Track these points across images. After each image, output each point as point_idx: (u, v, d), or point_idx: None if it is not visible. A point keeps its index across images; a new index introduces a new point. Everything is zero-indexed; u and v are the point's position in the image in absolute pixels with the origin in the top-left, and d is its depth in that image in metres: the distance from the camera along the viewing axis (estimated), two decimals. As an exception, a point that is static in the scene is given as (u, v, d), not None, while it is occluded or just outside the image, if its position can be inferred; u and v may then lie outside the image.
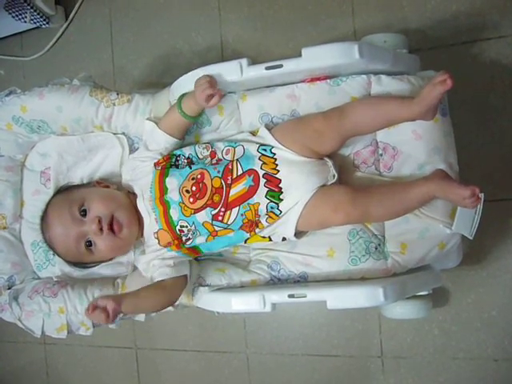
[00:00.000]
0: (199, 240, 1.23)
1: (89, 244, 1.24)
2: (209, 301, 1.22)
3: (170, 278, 1.19)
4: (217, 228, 1.20)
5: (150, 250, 1.26)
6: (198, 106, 1.20)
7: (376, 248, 1.18)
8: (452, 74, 1.04)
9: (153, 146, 1.28)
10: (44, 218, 1.31)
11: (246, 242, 1.24)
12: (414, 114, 1.10)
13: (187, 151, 1.26)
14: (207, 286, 1.24)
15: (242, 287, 1.25)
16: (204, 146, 1.26)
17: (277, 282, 1.25)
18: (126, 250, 1.32)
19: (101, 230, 1.21)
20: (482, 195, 1.11)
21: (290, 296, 1.12)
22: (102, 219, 1.21)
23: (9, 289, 1.36)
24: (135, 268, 1.33)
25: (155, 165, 1.26)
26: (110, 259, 1.33)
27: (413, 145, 1.18)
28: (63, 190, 1.35)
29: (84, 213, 1.23)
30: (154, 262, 1.23)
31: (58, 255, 1.31)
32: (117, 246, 1.25)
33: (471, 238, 1.14)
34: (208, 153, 1.25)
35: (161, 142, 1.26)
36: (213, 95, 1.15)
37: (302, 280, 1.23)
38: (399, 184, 1.17)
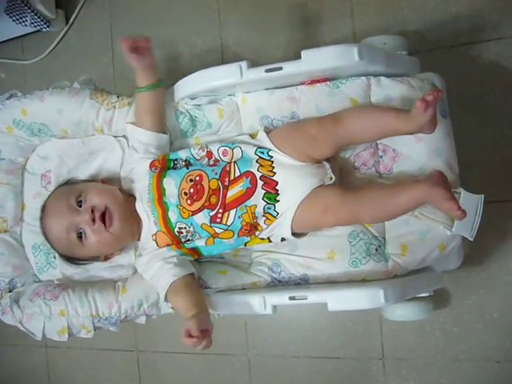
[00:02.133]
0: (199, 242, 1.23)
1: (80, 234, 1.24)
2: (210, 303, 1.22)
3: (180, 277, 1.18)
4: (217, 230, 1.21)
5: (148, 252, 1.26)
6: (141, 71, 1.24)
7: (376, 250, 1.18)
8: (437, 95, 1.03)
9: (138, 146, 1.29)
10: (44, 206, 1.31)
11: (246, 245, 1.24)
12: (410, 129, 1.09)
13: (183, 155, 1.27)
14: (208, 288, 1.25)
15: (243, 289, 1.25)
16: (199, 146, 1.26)
17: (278, 285, 1.25)
18: (116, 247, 1.31)
19: (93, 220, 1.21)
20: (482, 196, 1.12)
21: (291, 298, 1.12)
22: (95, 209, 1.21)
23: (10, 292, 1.36)
24: (136, 271, 1.33)
25: (151, 166, 1.26)
26: (106, 259, 1.33)
27: (413, 147, 1.18)
28: (67, 184, 1.36)
29: (80, 203, 1.24)
30: (155, 264, 1.22)
31: (51, 245, 1.31)
32: (106, 240, 1.24)
33: (472, 239, 1.14)
34: (204, 153, 1.25)
35: (142, 139, 1.28)
36: (138, 47, 1.17)
37: (303, 282, 1.23)
38: (391, 187, 1.16)
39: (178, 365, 1.91)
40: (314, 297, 1.11)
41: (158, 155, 1.28)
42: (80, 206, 1.24)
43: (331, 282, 1.21)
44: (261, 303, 1.14)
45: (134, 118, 1.31)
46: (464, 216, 1.07)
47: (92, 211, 1.21)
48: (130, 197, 1.30)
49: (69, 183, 1.36)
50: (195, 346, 1.03)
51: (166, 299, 1.20)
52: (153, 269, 1.23)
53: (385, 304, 1.07)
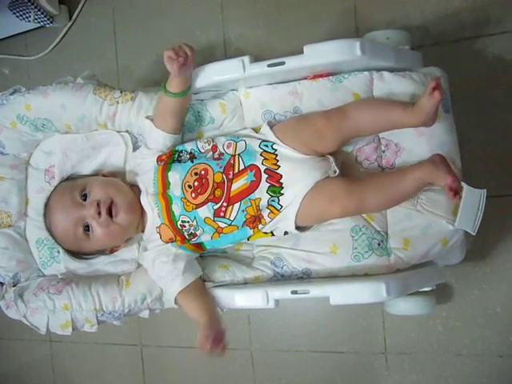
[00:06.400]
0: (205, 238, 1.24)
1: (87, 228, 1.24)
2: (212, 297, 1.23)
3: (188, 284, 1.20)
4: (221, 225, 1.21)
5: (153, 246, 1.27)
6: (178, 79, 1.19)
7: (379, 244, 1.18)
8: (440, 84, 1.06)
9: (152, 145, 1.28)
10: (47, 203, 1.31)
11: (248, 240, 1.25)
12: (415, 122, 1.12)
13: (189, 146, 1.27)
14: (211, 282, 1.25)
15: (246, 284, 1.26)
16: (205, 140, 1.27)
17: (280, 279, 1.26)
18: (122, 238, 1.31)
19: (99, 213, 1.21)
20: (484, 191, 1.12)
21: (293, 292, 1.13)
22: (101, 203, 1.22)
23: (14, 286, 1.37)
24: (139, 265, 1.34)
25: (158, 160, 1.26)
26: (111, 252, 1.33)
27: (415, 141, 1.18)
28: (69, 179, 1.36)
29: (85, 197, 1.24)
30: (162, 266, 1.23)
31: (56, 240, 1.31)
32: (113, 231, 1.24)
33: (474, 233, 1.14)
34: (209, 147, 1.25)
35: (159, 139, 1.27)
36: (184, 63, 1.15)
37: (306, 276, 1.24)
38: (394, 172, 1.18)
39: (182, 359, 1.92)
40: (316, 291, 1.11)
41: (165, 151, 1.28)
42: (84, 200, 1.24)
43: (333, 277, 1.21)
44: (263, 297, 1.14)
45: (152, 113, 1.30)
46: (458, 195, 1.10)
47: (97, 205, 1.21)
48: (134, 187, 1.30)
49: (70, 179, 1.36)
50: (211, 352, 1.10)
51: (175, 303, 1.23)
52: (159, 270, 1.24)
53: (387, 298, 1.07)
